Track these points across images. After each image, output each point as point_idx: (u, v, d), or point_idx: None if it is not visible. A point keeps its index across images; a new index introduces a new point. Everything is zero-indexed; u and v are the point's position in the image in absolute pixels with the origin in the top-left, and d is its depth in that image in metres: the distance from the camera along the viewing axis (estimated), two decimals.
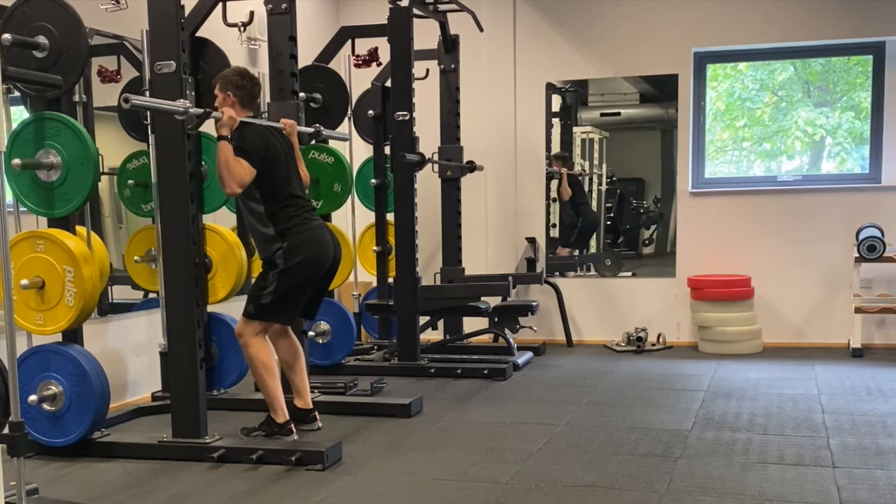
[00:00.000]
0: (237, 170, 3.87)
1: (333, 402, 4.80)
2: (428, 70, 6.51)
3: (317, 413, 4.36)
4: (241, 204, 4.15)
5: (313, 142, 5.03)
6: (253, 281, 4.21)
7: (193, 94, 3.91)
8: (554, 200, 7.37)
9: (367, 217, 6.51)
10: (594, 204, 7.57)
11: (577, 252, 7.61)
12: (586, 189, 7.55)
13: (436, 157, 6.40)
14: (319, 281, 4.20)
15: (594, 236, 7.62)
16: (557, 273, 7.32)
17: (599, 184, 7.59)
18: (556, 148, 7.37)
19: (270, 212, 4.03)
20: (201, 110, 3.78)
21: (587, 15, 7.05)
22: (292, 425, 4.12)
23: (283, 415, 4.11)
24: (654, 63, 6.99)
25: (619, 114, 7.45)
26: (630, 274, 7.35)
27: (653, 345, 6.77)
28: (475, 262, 7.03)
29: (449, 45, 6.50)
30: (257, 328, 4.08)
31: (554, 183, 7.34)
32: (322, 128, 4.82)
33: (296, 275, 4.04)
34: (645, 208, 7.51)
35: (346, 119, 5.90)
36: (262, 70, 5.78)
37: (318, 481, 3.60)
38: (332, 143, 5.76)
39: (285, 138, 4.22)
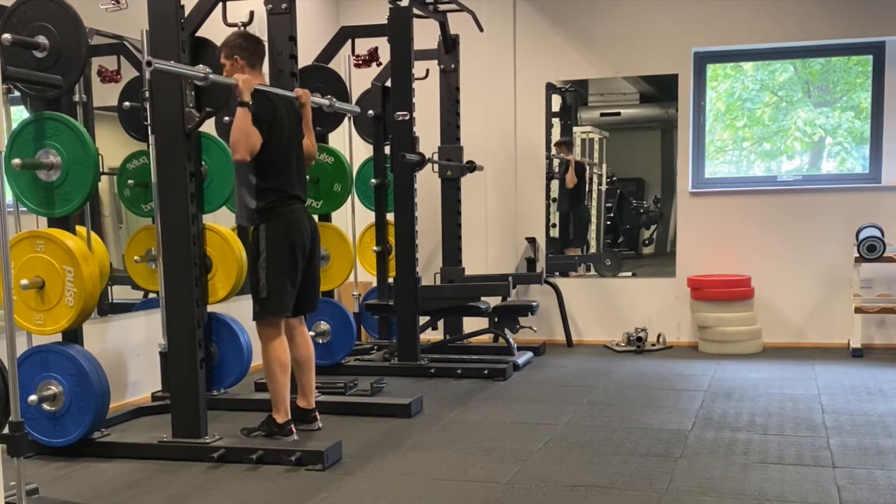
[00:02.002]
0: (253, 138, 3.88)
1: (333, 402, 4.80)
2: (428, 70, 6.51)
3: (317, 413, 4.37)
4: (236, 170, 4.10)
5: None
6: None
7: (193, 93, 3.91)
8: (554, 200, 7.37)
9: (367, 217, 6.51)
10: (594, 203, 7.57)
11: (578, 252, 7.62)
12: (585, 188, 7.55)
13: (436, 157, 6.40)
14: (306, 262, 4.18)
15: (593, 235, 7.61)
16: (557, 273, 7.32)
17: (599, 184, 7.59)
18: (556, 150, 7.36)
19: (260, 187, 4.02)
20: (221, 77, 3.82)
21: (587, 15, 7.05)
22: (292, 425, 4.12)
23: (284, 414, 4.11)
24: (654, 63, 6.99)
25: (619, 114, 7.45)
26: (630, 274, 7.35)
27: (653, 345, 6.77)
28: (475, 262, 7.03)
29: (449, 45, 6.50)
30: (271, 326, 4.10)
31: (554, 183, 7.34)
32: (335, 99, 4.84)
33: (280, 256, 4.04)
34: (645, 208, 7.51)
35: (346, 119, 5.89)
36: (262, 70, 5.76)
37: (318, 481, 3.60)
38: (333, 143, 5.76)
39: (295, 113, 4.21)
